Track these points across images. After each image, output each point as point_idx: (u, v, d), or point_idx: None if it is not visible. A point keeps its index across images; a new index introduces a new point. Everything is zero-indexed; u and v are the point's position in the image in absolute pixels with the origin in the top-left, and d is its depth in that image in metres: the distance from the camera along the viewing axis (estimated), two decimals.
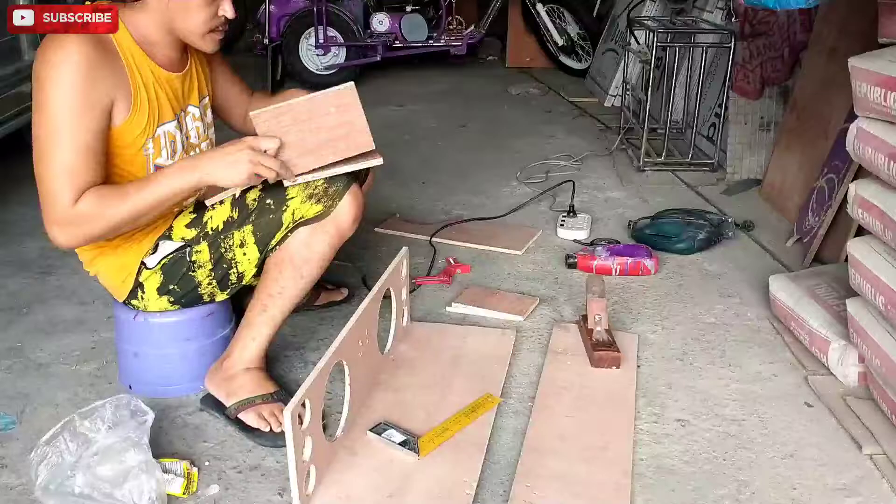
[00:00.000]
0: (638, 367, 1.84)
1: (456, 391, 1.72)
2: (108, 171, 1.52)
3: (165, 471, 1.40)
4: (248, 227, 1.60)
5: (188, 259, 1.63)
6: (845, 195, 1.83)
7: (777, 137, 2.94)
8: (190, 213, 1.66)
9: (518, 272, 2.37)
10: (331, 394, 1.70)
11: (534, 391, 1.74)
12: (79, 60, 1.42)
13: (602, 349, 1.82)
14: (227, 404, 1.62)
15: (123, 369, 1.77)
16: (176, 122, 1.64)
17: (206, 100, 1.76)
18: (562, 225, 2.65)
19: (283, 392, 1.67)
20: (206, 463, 1.51)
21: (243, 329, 1.66)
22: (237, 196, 1.60)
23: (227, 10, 1.56)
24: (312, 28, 4.96)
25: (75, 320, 2.07)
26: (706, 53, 3.30)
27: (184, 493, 1.41)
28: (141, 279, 1.64)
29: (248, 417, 1.60)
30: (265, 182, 1.55)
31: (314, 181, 1.56)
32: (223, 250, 1.62)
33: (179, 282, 1.63)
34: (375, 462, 1.48)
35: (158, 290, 1.65)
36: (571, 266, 2.37)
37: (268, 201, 1.58)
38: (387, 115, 4.41)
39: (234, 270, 1.65)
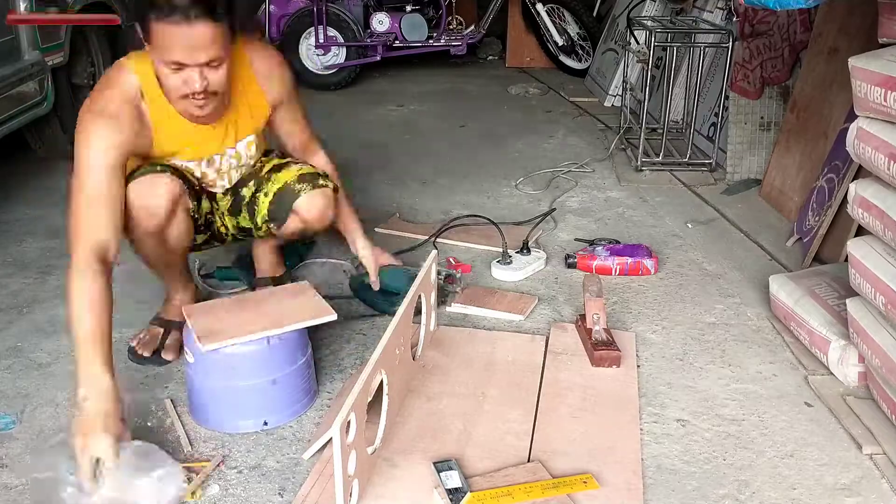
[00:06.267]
0: (638, 366, 1.84)
1: (491, 400, 1.69)
2: None
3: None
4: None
5: None
6: (845, 195, 1.83)
7: (777, 137, 2.94)
8: None
9: None
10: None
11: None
12: None
13: (602, 348, 1.82)
14: None
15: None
16: (198, 163, 1.75)
17: (251, 138, 1.81)
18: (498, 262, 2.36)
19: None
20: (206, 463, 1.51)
21: None
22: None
23: (193, 82, 1.54)
24: (312, 28, 4.96)
25: None
26: (705, 53, 3.30)
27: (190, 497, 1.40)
28: None
29: None
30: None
31: None
32: None
33: None
34: (417, 474, 1.45)
35: None
36: (571, 266, 2.37)
37: None
38: (387, 115, 4.41)
39: None
